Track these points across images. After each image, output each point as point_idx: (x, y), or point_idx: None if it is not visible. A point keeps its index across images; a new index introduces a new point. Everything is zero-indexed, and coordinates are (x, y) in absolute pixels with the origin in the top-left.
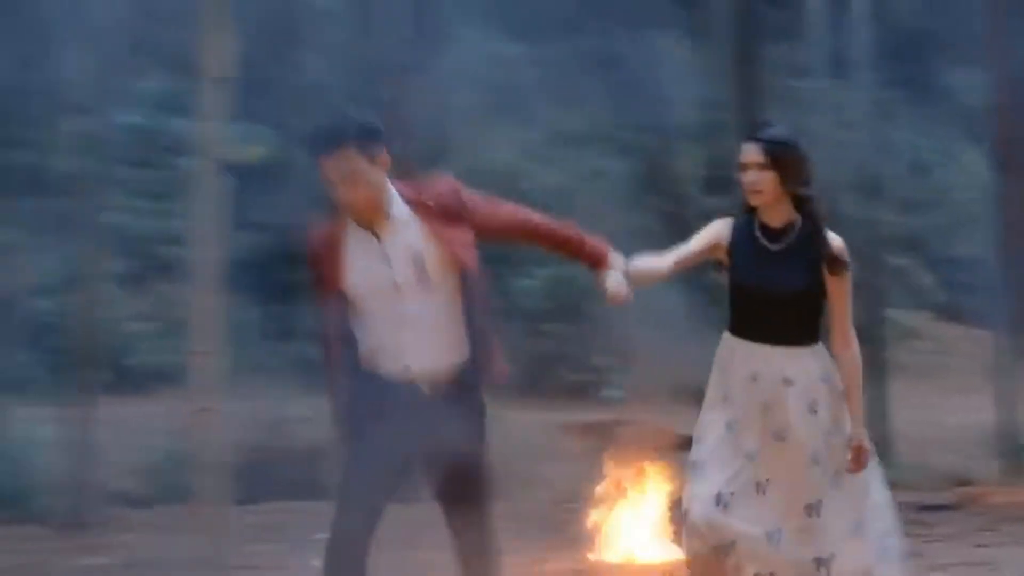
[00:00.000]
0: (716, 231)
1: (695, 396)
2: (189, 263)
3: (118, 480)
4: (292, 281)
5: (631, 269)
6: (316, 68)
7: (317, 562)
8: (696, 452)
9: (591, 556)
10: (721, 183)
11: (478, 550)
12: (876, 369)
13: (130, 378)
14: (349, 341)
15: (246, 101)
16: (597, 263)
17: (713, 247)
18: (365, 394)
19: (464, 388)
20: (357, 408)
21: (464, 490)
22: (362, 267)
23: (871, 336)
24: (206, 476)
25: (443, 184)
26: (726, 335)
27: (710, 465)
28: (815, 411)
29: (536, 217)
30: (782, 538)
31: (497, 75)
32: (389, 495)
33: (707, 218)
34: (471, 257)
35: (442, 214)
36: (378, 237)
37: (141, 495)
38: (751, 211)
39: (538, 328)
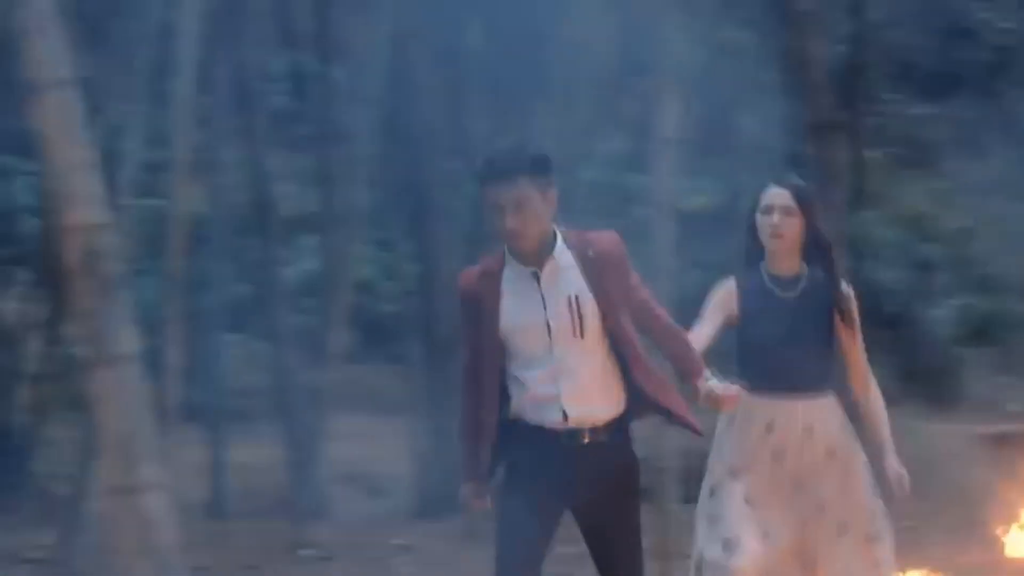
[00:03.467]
0: (724, 297)
1: None
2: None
3: None
4: None
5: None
6: (752, 127)
7: None
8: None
9: (1004, 552)
10: None
11: None
12: None
13: None
14: (501, 388)
15: (693, 157)
16: (692, 375)
17: (729, 316)
18: (520, 445)
19: (619, 441)
20: (512, 459)
21: (615, 544)
22: (516, 306)
23: None
24: (661, 478)
25: (608, 239)
26: (744, 394)
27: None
28: (833, 455)
29: (661, 314)
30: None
31: (911, 131)
32: (544, 549)
33: None
34: (625, 311)
35: (601, 267)
36: (537, 277)
37: None
38: (754, 261)
39: (949, 350)
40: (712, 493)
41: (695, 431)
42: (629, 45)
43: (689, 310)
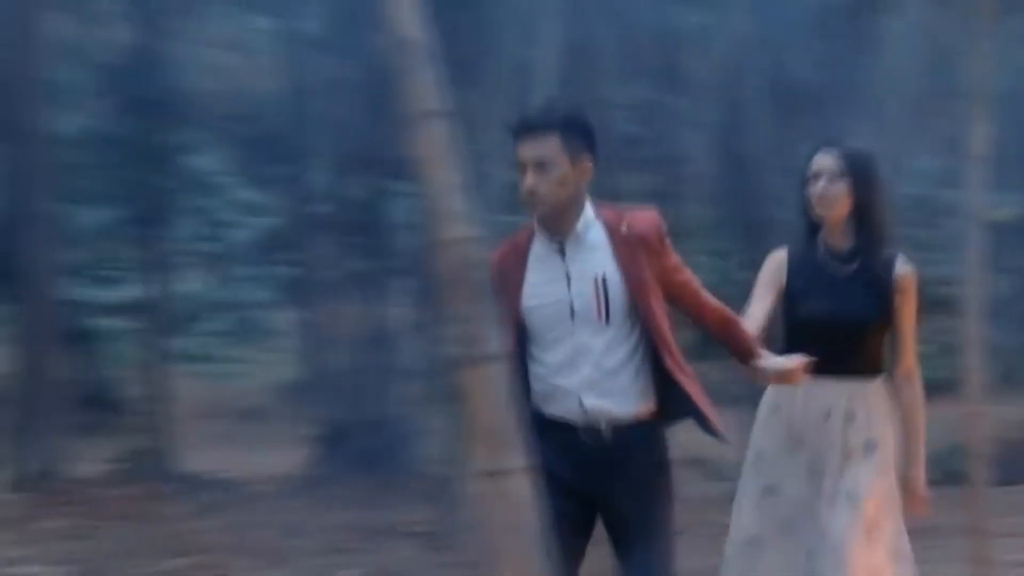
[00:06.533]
0: (774, 270)
1: None
2: (959, 300)
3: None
4: None
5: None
6: None
7: None
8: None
9: None
10: None
11: None
12: None
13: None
14: (523, 373)
15: (1001, 172)
16: (747, 356)
17: (779, 291)
18: (540, 441)
19: (645, 438)
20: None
21: (640, 549)
22: (539, 284)
23: None
24: (975, 464)
25: (645, 217)
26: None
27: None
28: (872, 452)
29: (706, 296)
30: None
31: None
32: (579, 552)
33: None
34: (657, 297)
35: (636, 247)
36: (562, 251)
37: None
38: (812, 233)
39: None
40: (749, 475)
41: (722, 438)
42: (941, 68)
43: (998, 311)
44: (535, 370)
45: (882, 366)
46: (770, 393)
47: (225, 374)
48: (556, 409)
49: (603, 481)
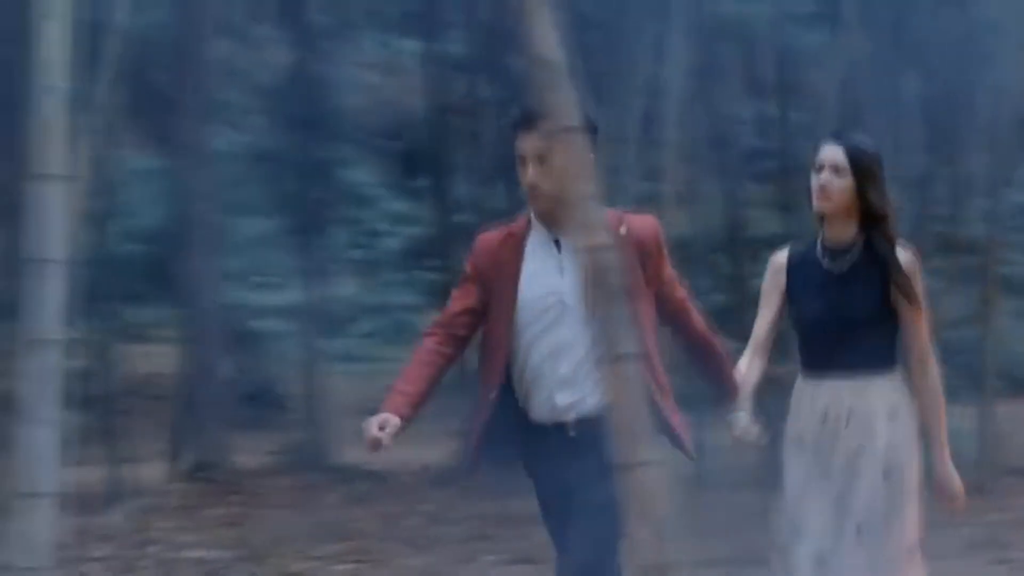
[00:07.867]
0: (774, 274)
1: None
2: None
3: (1016, 458)
4: None
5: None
6: None
7: None
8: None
9: None
10: None
11: None
12: None
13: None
14: (506, 364)
15: None
16: (727, 395)
17: (782, 292)
18: (521, 441)
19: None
20: (520, 457)
21: (586, 521)
22: (533, 274)
23: None
24: None
25: (645, 220)
26: (798, 378)
27: (805, 521)
28: (862, 454)
29: (697, 319)
30: None
31: None
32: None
33: None
34: (647, 302)
35: (632, 247)
36: (558, 244)
37: None
38: (819, 229)
39: None
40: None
41: (687, 453)
42: None
43: None
44: (517, 367)
45: (889, 363)
46: (793, 391)
47: (377, 373)
48: (532, 408)
49: (571, 472)
